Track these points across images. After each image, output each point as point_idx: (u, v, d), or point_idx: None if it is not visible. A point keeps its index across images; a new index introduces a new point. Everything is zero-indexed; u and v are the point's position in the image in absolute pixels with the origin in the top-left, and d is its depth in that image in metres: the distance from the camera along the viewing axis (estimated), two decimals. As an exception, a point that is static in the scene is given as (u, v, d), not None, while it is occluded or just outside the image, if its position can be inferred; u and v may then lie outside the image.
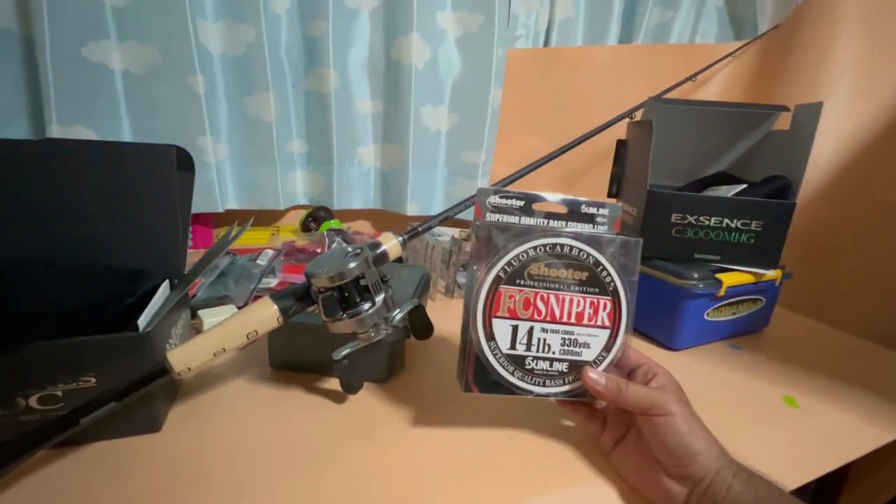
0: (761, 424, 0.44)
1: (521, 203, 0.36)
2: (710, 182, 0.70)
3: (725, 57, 0.96)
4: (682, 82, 0.90)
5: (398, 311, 0.39)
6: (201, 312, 0.53)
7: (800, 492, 0.36)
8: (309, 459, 0.35)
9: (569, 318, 0.36)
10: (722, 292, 0.55)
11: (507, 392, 0.36)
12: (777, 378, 0.52)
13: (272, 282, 0.66)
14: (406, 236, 0.40)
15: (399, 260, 0.41)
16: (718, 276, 0.55)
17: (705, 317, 0.57)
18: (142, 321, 0.36)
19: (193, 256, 0.49)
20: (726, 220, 0.57)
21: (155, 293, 0.40)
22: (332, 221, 0.94)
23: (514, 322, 0.35)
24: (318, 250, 0.76)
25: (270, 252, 0.72)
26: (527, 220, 0.36)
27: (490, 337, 0.35)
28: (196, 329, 0.53)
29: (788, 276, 0.61)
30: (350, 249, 0.37)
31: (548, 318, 0.35)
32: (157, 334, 0.36)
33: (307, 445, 0.37)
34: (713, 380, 0.52)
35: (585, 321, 0.36)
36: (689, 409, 0.33)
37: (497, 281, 0.35)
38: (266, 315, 0.35)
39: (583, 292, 0.36)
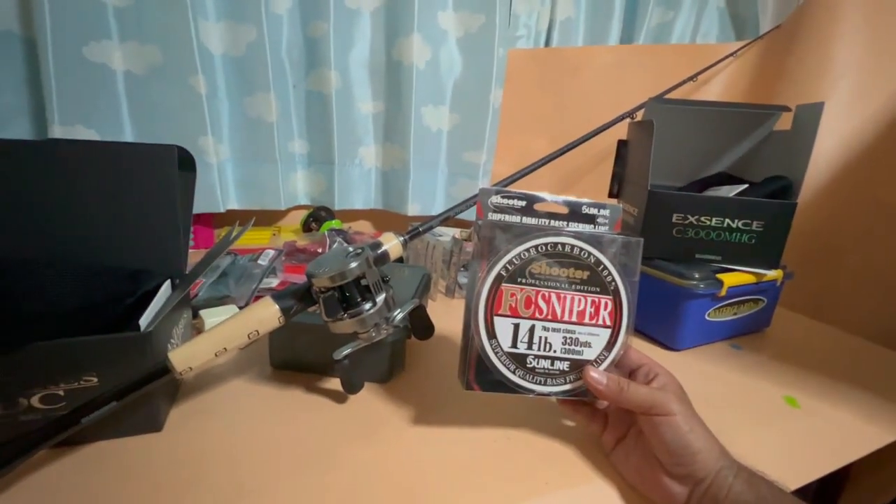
0: (762, 425, 0.44)
1: (523, 203, 0.36)
2: (711, 182, 0.70)
3: (726, 57, 0.96)
4: (683, 82, 0.90)
5: (399, 311, 0.39)
6: (203, 312, 0.53)
7: (801, 492, 0.36)
8: (310, 459, 0.35)
9: (570, 316, 0.36)
10: (723, 292, 0.55)
11: (508, 391, 0.36)
12: (778, 378, 0.52)
13: (273, 282, 0.66)
14: (407, 236, 0.40)
15: (400, 260, 0.41)
16: (719, 276, 0.55)
17: (706, 317, 0.57)
18: (143, 321, 0.36)
19: (195, 256, 0.49)
20: (727, 221, 0.57)
21: (156, 293, 0.40)
22: (333, 221, 0.94)
23: (516, 320, 0.35)
24: (319, 250, 0.76)
25: (271, 252, 0.72)
26: (528, 220, 0.36)
27: (491, 335, 0.35)
28: (197, 329, 0.53)
29: (789, 277, 0.61)
30: (351, 249, 0.37)
31: (549, 317, 0.36)
32: (159, 334, 0.37)
33: (308, 445, 0.37)
34: (714, 380, 0.51)
35: (587, 320, 0.36)
36: (690, 409, 0.33)
37: (499, 279, 0.35)
38: (267, 315, 0.35)
39: (584, 291, 0.36)
